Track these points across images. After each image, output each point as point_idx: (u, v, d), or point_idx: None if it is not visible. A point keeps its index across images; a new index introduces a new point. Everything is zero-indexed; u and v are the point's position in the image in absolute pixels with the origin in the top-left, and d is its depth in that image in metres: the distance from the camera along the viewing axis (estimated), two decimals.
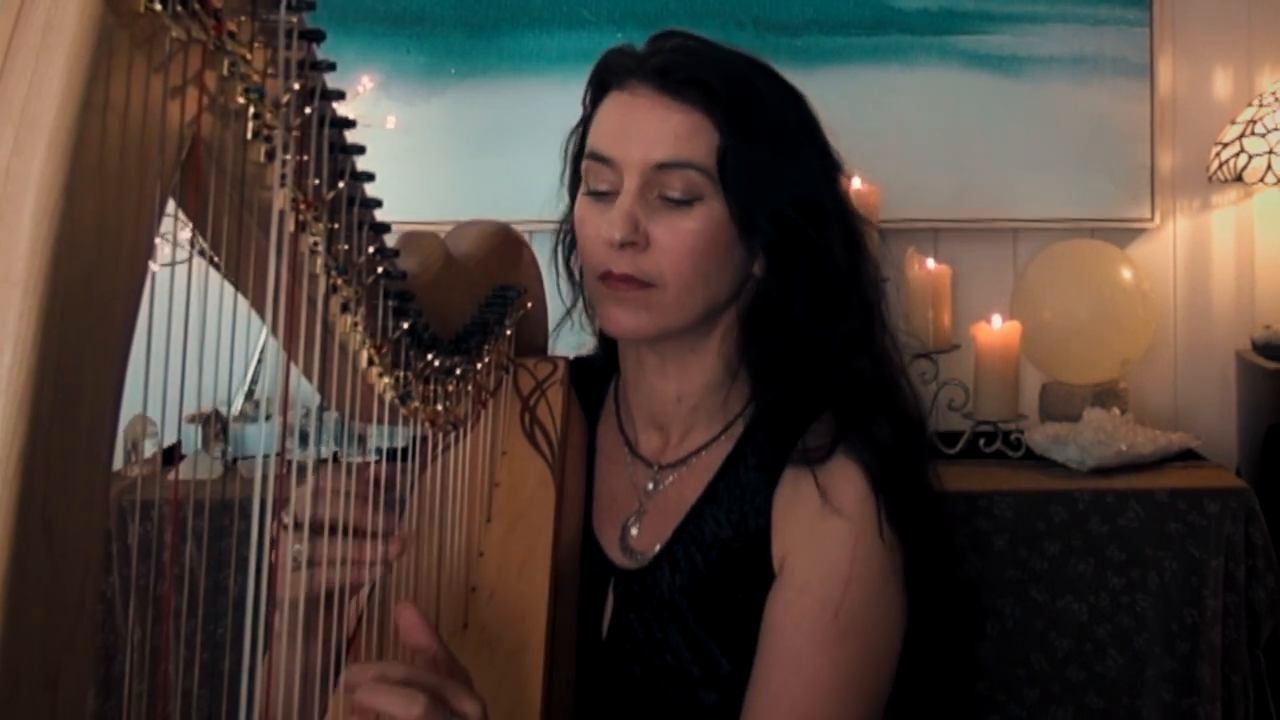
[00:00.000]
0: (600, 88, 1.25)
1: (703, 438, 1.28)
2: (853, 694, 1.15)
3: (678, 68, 1.19)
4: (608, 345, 1.36)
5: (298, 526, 1.01)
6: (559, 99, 2.37)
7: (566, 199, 1.31)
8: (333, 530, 1.02)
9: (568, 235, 1.31)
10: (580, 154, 1.27)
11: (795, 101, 1.26)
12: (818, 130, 1.27)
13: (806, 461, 1.19)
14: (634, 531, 1.28)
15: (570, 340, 1.39)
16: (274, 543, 1.01)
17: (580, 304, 1.33)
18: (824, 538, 1.17)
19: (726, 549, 1.22)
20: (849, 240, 1.25)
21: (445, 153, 2.43)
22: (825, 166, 1.26)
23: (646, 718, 1.22)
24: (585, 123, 1.27)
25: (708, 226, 1.19)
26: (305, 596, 1.02)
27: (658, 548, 1.25)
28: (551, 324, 1.40)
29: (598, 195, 1.22)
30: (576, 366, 1.37)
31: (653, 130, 1.19)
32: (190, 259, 0.75)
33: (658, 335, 1.23)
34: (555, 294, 1.36)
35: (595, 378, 1.37)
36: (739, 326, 1.26)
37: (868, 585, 1.16)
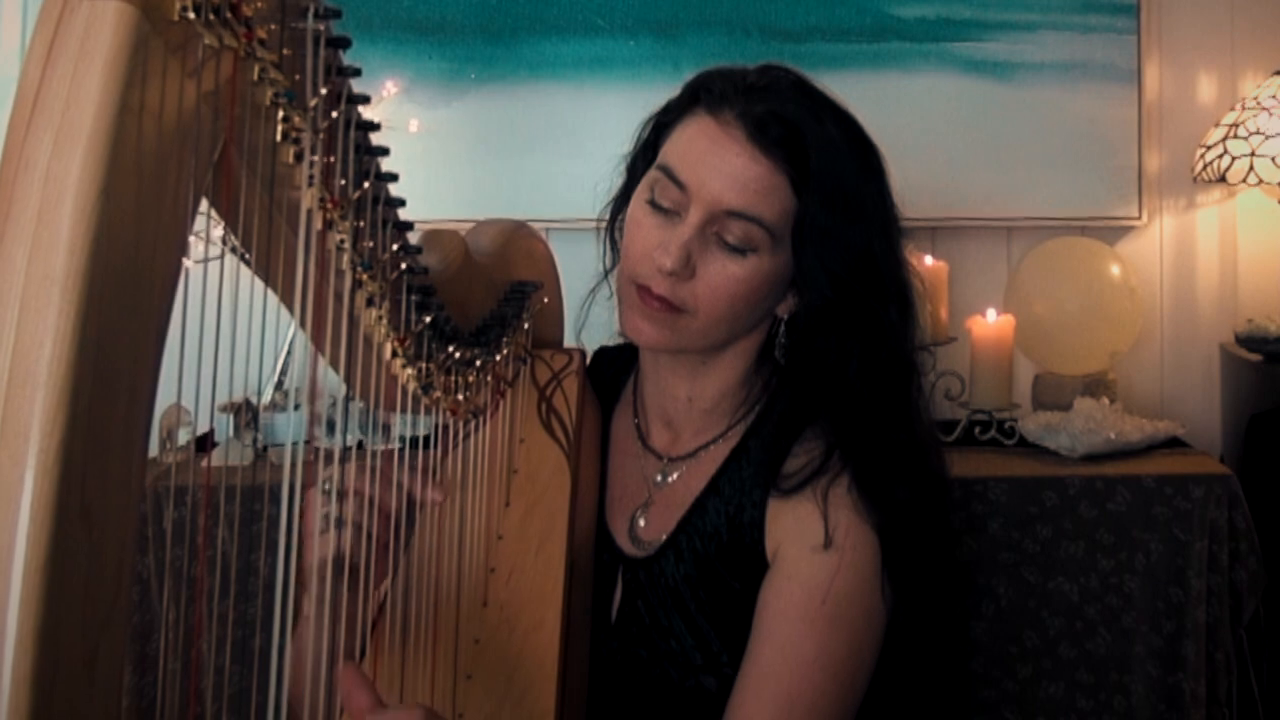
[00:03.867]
0: (693, 99, 1.20)
1: (710, 435, 1.28)
2: (835, 677, 1.14)
3: (776, 124, 1.15)
4: None
5: (337, 494, 1.02)
6: (574, 103, 2.40)
7: (624, 175, 1.28)
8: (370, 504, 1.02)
9: (618, 217, 1.27)
10: (650, 144, 1.24)
11: (874, 167, 1.22)
12: (888, 194, 1.23)
13: (808, 482, 1.18)
14: (642, 522, 1.27)
15: (607, 305, 1.34)
16: (303, 511, 1.01)
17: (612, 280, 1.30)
18: (815, 530, 1.16)
19: (724, 540, 1.21)
20: (904, 308, 1.23)
21: (465, 154, 2.42)
22: (890, 233, 1.23)
23: (652, 700, 1.22)
24: (665, 123, 1.23)
25: (753, 276, 1.17)
26: (333, 559, 1.01)
27: (664, 537, 1.24)
28: (571, 313, 1.39)
29: (659, 209, 1.18)
30: (601, 355, 1.36)
31: (734, 175, 1.15)
32: (222, 256, 0.74)
33: (674, 351, 1.23)
34: (591, 271, 1.32)
35: (618, 368, 1.37)
36: (778, 373, 1.24)
37: (855, 575, 1.15)
